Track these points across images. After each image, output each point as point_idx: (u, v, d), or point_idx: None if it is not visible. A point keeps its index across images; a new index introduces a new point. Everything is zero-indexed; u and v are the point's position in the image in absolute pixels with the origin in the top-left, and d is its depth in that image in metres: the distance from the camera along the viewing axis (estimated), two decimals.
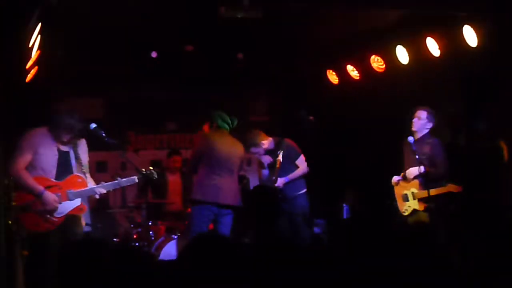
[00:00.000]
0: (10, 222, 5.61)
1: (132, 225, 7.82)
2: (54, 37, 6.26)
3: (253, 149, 7.27)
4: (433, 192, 6.31)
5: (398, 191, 6.80)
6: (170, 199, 8.32)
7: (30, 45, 5.63)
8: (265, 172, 7.38)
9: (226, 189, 6.54)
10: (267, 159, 7.31)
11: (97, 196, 5.90)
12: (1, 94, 5.68)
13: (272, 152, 7.24)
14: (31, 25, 5.38)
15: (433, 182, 6.35)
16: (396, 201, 6.81)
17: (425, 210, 6.48)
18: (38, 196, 5.52)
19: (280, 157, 7.07)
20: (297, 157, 7.23)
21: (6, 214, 5.63)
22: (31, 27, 5.41)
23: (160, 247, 7.13)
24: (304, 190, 7.29)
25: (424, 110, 6.61)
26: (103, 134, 5.92)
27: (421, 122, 6.60)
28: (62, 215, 5.66)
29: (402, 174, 6.71)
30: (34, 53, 5.92)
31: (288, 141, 7.26)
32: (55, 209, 5.59)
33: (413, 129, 6.62)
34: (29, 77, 6.31)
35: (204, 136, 6.77)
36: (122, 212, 8.50)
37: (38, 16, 5.37)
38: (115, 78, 8.58)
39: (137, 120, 9.23)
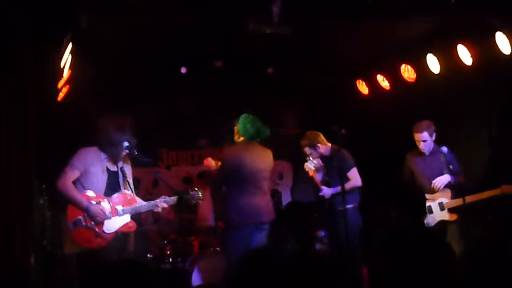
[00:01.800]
0: (45, 242, 5.67)
1: (165, 241, 7.82)
2: (85, 56, 6.33)
3: (307, 149, 7.16)
4: (476, 197, 6.20)
5: None
6: (201, 214, 8.31)
7: (62, 65, 5.71)
8: (319, 176, 7.18)
9: (260, 207, 6.13)
10: (317, 163, 7.15)
11: (159, 209, 6.08)
12: (35, 113, 5.75)
13: (326, 159, 7.11)
14: (63, 46, 5.46)
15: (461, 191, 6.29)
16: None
17: (456, 220, 6.39)
18: (85, 209, 5.63)
19: (309, 166, 7.01)
20: (350, 169, 6.98)
21: (41, 234, 5.70)
22: (63, 48, 5.49)
23: (194, 263, 7.11)
24: (355, 205, 7.02)
25: (423, 131, 6.51)
26: (136, 153, 5.97)
27: (427, 142, 6.55)
28: (112, 231, 5.77)
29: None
30: (66, 73, 6.01)
31: (344, 152, 7.02)
32: (102, 222, 5.69)
33: (425, 152, 6.57)
34: (61, 95, 6.40)
35: (230, 150, 6.28)
36: (154, 229, 8.51)
37: (70, 38, 5.45)
38: (146, 95, 8.63)
39: (168, 136, 9.28)
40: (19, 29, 4.94)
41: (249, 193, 6.08)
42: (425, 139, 6.53)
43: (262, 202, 6.17)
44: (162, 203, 6.06)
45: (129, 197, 5.96)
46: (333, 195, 6.99)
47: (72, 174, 5.70)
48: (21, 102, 5.04)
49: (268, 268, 2.68)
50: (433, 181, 6.48)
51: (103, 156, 5.88)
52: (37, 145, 5.78)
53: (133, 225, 5.97)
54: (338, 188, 6.81)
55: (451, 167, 6.34)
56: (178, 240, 7.65)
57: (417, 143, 6.60)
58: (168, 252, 7.62)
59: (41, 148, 5.88)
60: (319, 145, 7.12)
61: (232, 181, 6.09)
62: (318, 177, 7.18)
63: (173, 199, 6.15)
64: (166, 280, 6.89)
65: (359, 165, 7.13)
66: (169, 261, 7.46)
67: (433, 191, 6.51)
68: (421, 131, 6.53)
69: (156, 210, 6.10)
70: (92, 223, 5.66)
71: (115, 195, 5.88)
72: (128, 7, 5.59)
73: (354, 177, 6.98)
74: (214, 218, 8.32)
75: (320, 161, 7.11)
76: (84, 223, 5.64)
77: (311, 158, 7.10)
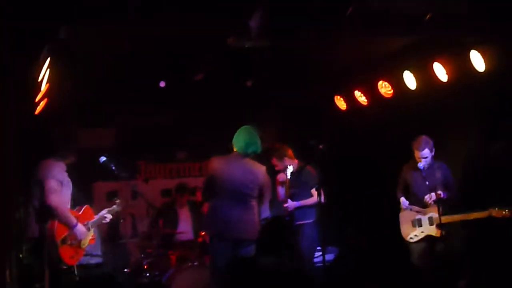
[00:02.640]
0: (21, 255, 5.63)
1: (142, 255, 7.79)
2: (63, 69, 6.31)
3: (275, 160, 7.40)
4: (462, 217, 6.33)
5: (408, 216, 6.78)
6: (180, 228, 8.29)
7: (40, 79, 5.69)
8: (281, 190, 7.44)
9: (240, 221, 5.93)
10: (282, 177, 7.39)
11: (107, 220, 6.10)
12: (12, 127, 5.72)
13: (292, 174, 7.28)
14: (41, 59, 5.45)
15: (452, 206, 6.40)
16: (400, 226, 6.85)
17: (441, 236, 6.45)
18: (73, 228, 5.64)
19: (288, 175, 7.14)
20: (314, 186, 7.12)
21: (18, 248, 5.66)
22: (41, 62, 5.48)
23: (171, 278, 7.08)
24: (312, 220, 7.25)
25: (425, 148, 6.55)
26: (113, 167, 5.98)
27: (429, 158, 6.60)
28: (85, 246, 5.80)
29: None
30: (44, 86, 5.98)
31: (309, 168, 7.34)
32: (82, 239, 5.73)
33: (423, 167, 6.58)
34: (38, 109, 6.37)
35: (214, 160, 6.13)
36: (133, 242, 8.47)
37: (48, 51, 5.44)
38: (124, 109, 8.62)
39: (147, 149, 9.27)
40: None
41: (229, 206, 5.92)
42: (426, 156, 6.58)
43: (243, 217, 5.96)
44: (108, 214, 6.13)
45: (91, 210, 6.04)
46: (295, 209, 7.24)
47: (58, 188, 5.65)
48: None
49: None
50: (426, 196, 6.57)
51: (63, 167, 5.83)
52: (15, 157, 5.77)
53: (94, 237, 6.04)
54: (301, 202, 7.22)
55: (447, 183, 6.44)
56: (156, 253, 7.61)
57: (417, 159, 6.63)
58: (145, 267, 7.57)
59: (19, 160, 5.85)
60: (286, 158, 7.38)
61: (214, 192, 6.01)
62: (281, 191, 7.44)
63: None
64: None
65: (334, 180, 7.26)
66: (146, 275, 7.41)
67: (425, 205, 6.60)
68: (422, 149, 6.56)
69: (104, 222, 6.17)
70: (75, 241, 5.67)
71: (82, 209, 5.93)
72: (107, 20, 5.59)
73: (320, 194, 6.94)
74: (193, 232, 8.33)
75: (287, 175, 7.27)
76: (69, 241, 5.64)
77: (288, 167, 7.25)
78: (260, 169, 6.14)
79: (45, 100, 6.41)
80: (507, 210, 6.06)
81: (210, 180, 6.05)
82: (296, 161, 7.45)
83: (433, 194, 6.49)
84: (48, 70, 5.79)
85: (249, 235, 6.03)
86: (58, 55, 5.74)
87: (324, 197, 7.07)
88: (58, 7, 5.19)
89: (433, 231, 6.55)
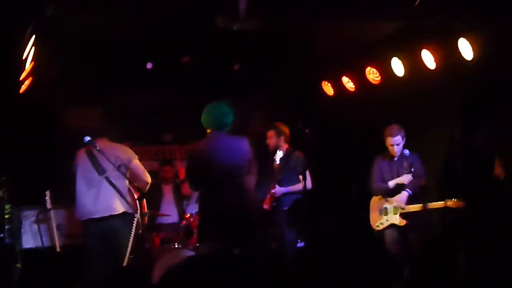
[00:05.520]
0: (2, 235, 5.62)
1: None
2: (49, 48, 6.25)
3: (272, 133, 7.41)
4: (420, 207, 6.43)
5: (376, 204, 6.87)
6: (164, 210, 8.27)
7: (24, 57, 5.64)
8: None
9: (237, 208, 5.25)
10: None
11: None
12: None
13: (281, 160, 7.24)
14: (26, 37, 5.38)
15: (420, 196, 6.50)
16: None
17: (406, 226, 6.58)
18: None
19: (277, 160, 7.13)
20: (302, 171, 6.97)
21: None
22: (26, 39, 5.42)
23: (154, 259, 7.07)
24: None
25: (397, 135, 6.62)
26: (97, 147, 5.93)
27: (400, 146, 6.66)
28: None
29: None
30: (28, 65, 5.93)
31: (298, 154, 7.29)
32: None
33: (396, 155, 6.70)
34: (23, 88, 6.32)
35: (192, 146, 5.49)
36: None
37: (33, 29, 5.37)
38: (110, 89, 8.54)
39: (133, 131, 9.20)
40: None
41: (221, 192, 5.27)
42: (398, 143, 6.64)
43: (238, 200, 5.27)
44: None
45: None
46: (283, 194, 7.21)
47: None
48: None
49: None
50: (389, 182, 6.66)
51: None
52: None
53: None
54: (289, 188, 7.17)
55: (412, 169, 6.45)
56: (140, 235, 7.58)
57: (389, 147, 6.71)
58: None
59: (2, 140, 5.82)
60: (282, 137, 7.37)
61: (201, 182, 5.39)
62: None
63: None
64: (126, 275, 6.84)
65: (321, 165, 7.24)
66: (130, 256, 7.38)
67: (393, 194, 6.64)
68: (394, 135, 6.62)
69: None
70: None
71: None
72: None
73: (305, 179, 6.90)
74: (178, 214, 8.32)
75: (276, 161, 7.23)
76: None
77: (278, 152, 7.24)
78: (244, 143, 5.48)
79: (30, 78, 6.36)
80: (461, 201, 6.22)
81: (193, 169, 5.42)
82: (286, 145, 7.44)
83: (398, 179, 6.60)
84: (33, 48, 5.74)
85: (246, 216, 5.31)
86: (43, 33, 5.68)
87: (312, 182, 7.09)
88: None
89: (396, 220, 6.65)
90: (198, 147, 5.42)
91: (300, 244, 7.41)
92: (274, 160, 7.21)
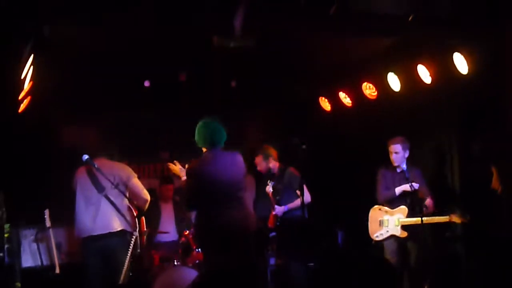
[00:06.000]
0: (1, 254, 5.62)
1: None
2: (47, 66, 6.28)
3: (260, 158, 7.54)
4: (428, 220, 6.43)
5: (376, 215, 6.91)
6: (163, 228, 8.26)
7: (23, 76, 5.67)
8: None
9: (237, 222, 5.31)
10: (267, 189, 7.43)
11: None
12: None
13: (276, 179, 7.39)
14: (24, 56, 5.42)
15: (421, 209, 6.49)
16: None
17: (406, 238, 6.66)
18: None
19: (269, 188, 7.18)
20: (299, 186, 6.96)
21: None
22: (24, 59, 5.45)
23: (154, 277, 7.06)
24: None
25: (397, 143, 6.76)
26: (96, 166, 5.96)
27: (400, 155, 6.76)
28: None
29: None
30: (27, 84, 5.95)
31: (291, 170, 7.40)
32: None
33: (395, 164, 6.80)
34: (22, 107, 6.34)
35: (191, 166, 5.48)
36: None
37: (31, 48, 5.41)
38: (108, 107, 8.58)
39: (130, 149, 9.21)
40: None
41: (224, 209, 5.29)
42: (397, 151, 6.74)
43: (239, 216, 5.33)
44: None
45: None
46: (285, 212, 7.32)
47: None
48: None
49: None
50: (396, 189, 6.75)
51: None
52: None
53: None
54: (289, 206, 7.31)
55: (412, 184, 6.49)
56: (138, 253, 7.56)
57: (390, 155, 6.80)
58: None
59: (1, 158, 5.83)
60: (271, 158, 7.51)
61: (202, 200, 5.37)
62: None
63: None
64: None
65: (318, 180, 7.28)
66: (129, 274, 7.37)
67: (394, 205, 6.76)
68: (395, 143, 6.75)
69: None
70: None
71: None
72: (91, 18, 5.58)
73: (303, 194, 6.87)
74: (177, 232, 8.30)
75: (270, 189, 7.33)
76: None
77: (269, 182, 7.35)
78: (239, 158, 5.54)
79: (29, 98, 6.38)
80: (466, 216, 6.29)
81: (195, 187, 5.38)
82: (277, 164, 7.54)
83: (400, 187, 6.69)
84: (32, 67, 5.77)
85: (248, 231, 5.40)
86: (42, 53, 5.71)
87: (310, 196, 7.12)
88: (42, 5, 5.18)
89: (397, 231, 6.70)
90: (196, 166, 5.43)
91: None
92: (267, 185, 7.29)
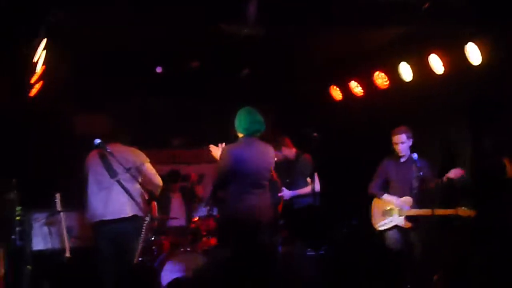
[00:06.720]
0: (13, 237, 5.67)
1: None
2: (60, 51, 6.30)
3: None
4: (428, 212, 6.35)
5: (380, 205, 6.92)
6: (173, 214, 8.30)
7: (35, 60, 5.68)
8: None
9: (261, 207, 5.61)
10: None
11: None
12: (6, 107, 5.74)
13: (290, 163, 7.46)
14: (37, 40, 5.43)
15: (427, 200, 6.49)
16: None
17: (411, 228, 6.67)
18: None
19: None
20: (310, 174, 7.15)
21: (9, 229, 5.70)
22: (37, 43, 5.46)
23: (163, 263, 7.10)
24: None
25: (402, 133, 6.76)
26: (108, 150, 5.98)
27: (405, 145, 6.77)
28: None
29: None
30: (39, 68, 5.97)
31: (306, 156, 7.46)
32: None
33: (401, 154, 6.81)
34: (33, 91, 6.37)
35: (226, 149, 5.67)
36: None
37: (44, 33, 5.42)
38: (120, 93, 8.60)
39: (141, 135, 9.24)
40: None
41: (250, 194, 5.56)
42: (403, 141, 6.73)
43: (263, 202, 5.66)
44: None
45: None
46: (293, 199, 7.34)
47: None
48: None
49: None
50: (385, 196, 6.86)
51: None
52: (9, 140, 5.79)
53: None
54: (297, 191, 7.34)
55: (421, 173, 6.46)
56: (148, 239, 7.61)
57: (394, 146, 6.81)
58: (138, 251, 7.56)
59: (13, 142, 5.87)
60: (283, 147, 7.54)
61: (231, 182, 5.59)
62: None
63: None
64: (135, 277, 6.89)
65: (328, 169, 7.28)
66: (139, 259, 7.41)
67: (400, 196, 6.73)
68: (399, 133, 6.75)
69: None
70: None
71: None
72: (105, 4, 5.59)
73: (314, 182, 7.01)
74: (186, 218, 8.35)
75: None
76: None
77: None
78: (270, 150, 5.87)
79: (41, 82, 6.41)
80: (473, 211, 6.22)
81: (227, 168, 5.56)
82: (294, 149, 7.57)
83: (391, 197, 6.78)
84: (44, 52, 5.79)
85: (267, 218, 5.70)
86: (54, 37, 5.72)
87: (320, 185, 7.13)
88: None
89: (401, 222, 6.70)
90: (232, 149, 5.64)
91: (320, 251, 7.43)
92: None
